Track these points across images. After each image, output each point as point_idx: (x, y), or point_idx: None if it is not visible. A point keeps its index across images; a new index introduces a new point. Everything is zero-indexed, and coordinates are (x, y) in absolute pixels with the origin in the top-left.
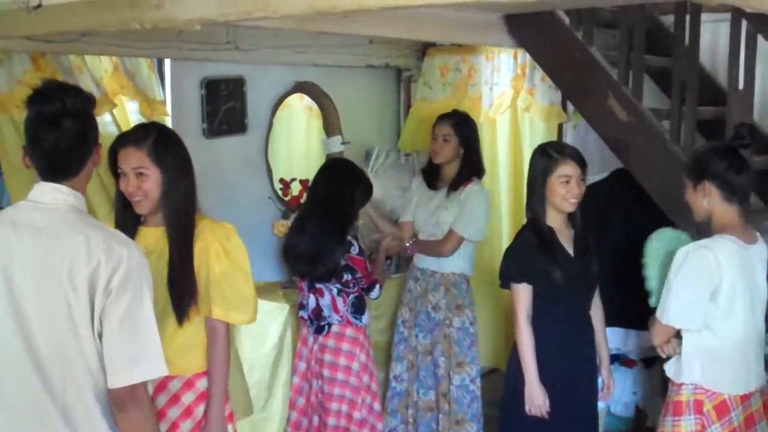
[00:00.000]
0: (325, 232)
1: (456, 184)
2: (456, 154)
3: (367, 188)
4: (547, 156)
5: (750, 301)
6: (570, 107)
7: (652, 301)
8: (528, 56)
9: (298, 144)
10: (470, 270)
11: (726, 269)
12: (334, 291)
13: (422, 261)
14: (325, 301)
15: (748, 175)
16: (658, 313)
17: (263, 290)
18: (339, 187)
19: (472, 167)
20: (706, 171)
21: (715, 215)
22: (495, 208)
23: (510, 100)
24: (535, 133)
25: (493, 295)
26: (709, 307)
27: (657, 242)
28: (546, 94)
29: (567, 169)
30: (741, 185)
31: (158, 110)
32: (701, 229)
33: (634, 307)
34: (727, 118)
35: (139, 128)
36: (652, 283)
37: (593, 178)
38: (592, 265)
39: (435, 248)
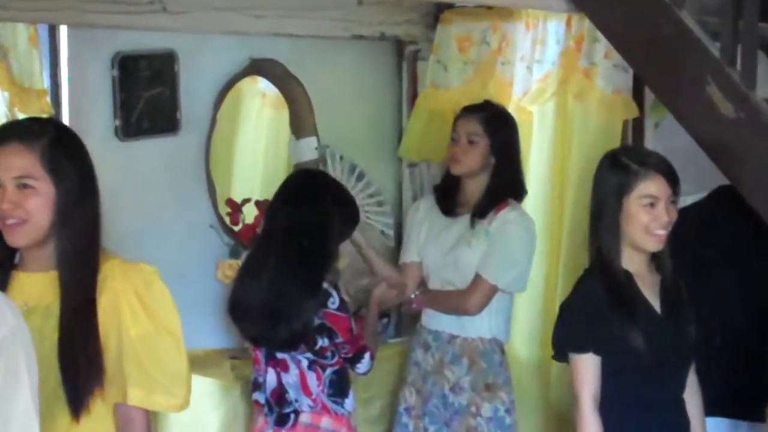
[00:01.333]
0: (290, 276)
1: (484, 209)
2: (485, 164)
3: (350, 213)
4: (622, 168)
5: None
6: (648, 97)
7: None
8: (587, 23)
9: (253, 149)
10: (506, 334)
11: None
12: (304, 363)
13: (435, 320)
14: (291, 377)
15: None
16: None
17: (201, 362)
18: (310, 211)
19: (508, 184)
20: None
21: None
22: None
23: (557, 84)
24: (591, 132)
25: (534, 372)
26: None
27: None
28: (611, 78)
29: (652, 186)
30: None
31: (35, 104)
32: None
33: (746, 390)
34: None
35: (31, 122)
36: None
37: (684, 200)
38: (688, 327)
39: (454, 302)
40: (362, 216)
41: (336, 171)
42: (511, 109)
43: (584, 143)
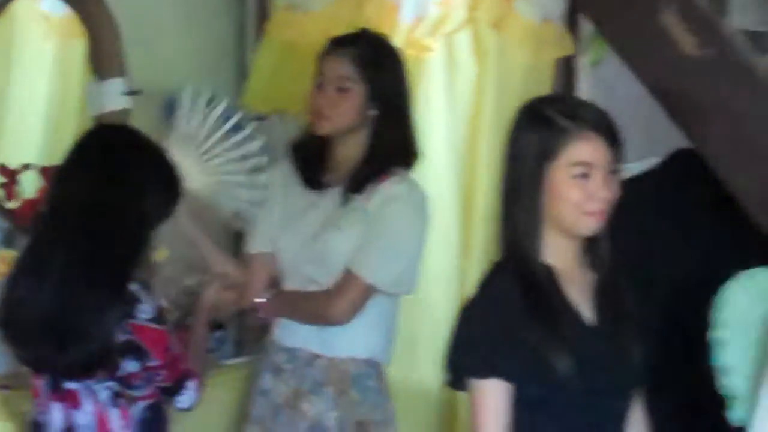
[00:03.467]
0: (84, 275)
1: (361, 180)
2: (361, 119)
3: (169, 185)
4: (545, 124)
5: None
6: (583, 28)
7: (733, 415)
8: None
9: (35, 95)
10: (386, 353)
11: None
12: (104, 396)
13: (290, 334)
14: (85, 416)
15: None
16: None
17: None
18: (112, 181)
19: (393, 146)
20: None
21: None
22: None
23: (465, 10)
24: (514, 75)
25: (436, 407)
26: None
27: (742, 295)
28: (538, 1)
29: (585, 150)
30: None
31: None
32: None
33: (708, 421)
34: None
35: None
36: (732, 379)
37: (631, 168)
38: (632, 343)
39: (313, 306)
40: (210, 187)
41: (196, 117)
42: (400, 42)
43: (505, 90)
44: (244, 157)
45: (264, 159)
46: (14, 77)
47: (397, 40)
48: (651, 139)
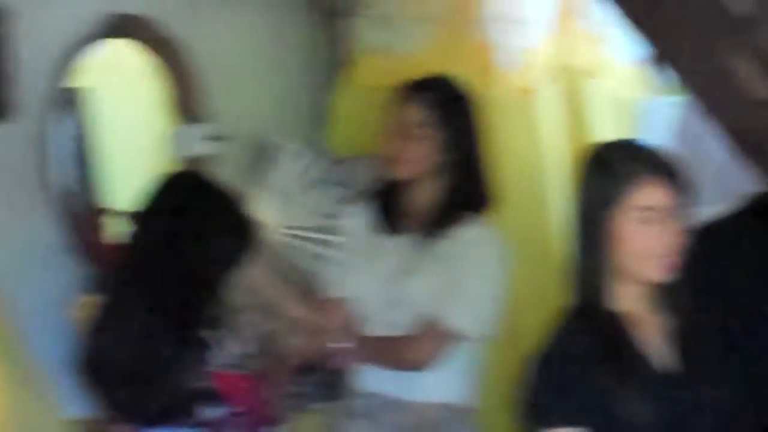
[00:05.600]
0: (157, 322)
1: (439, 224)
2: (437, 164)
3: (240, 231)
4: (608, 169)
5: None
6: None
7: None
8: None
9: (126, 139)
10: (473, 397)
11: None
12: None
13: (374, 379)
14: None
15: None
16: None
17: None
18: (176, 230)
19: (469, 190)
20: None
21: None
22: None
23: (559, 56)
24: (606, 116)
25: None
26: None
27: None
28: (628, 46)
29: (650, 193)
30: None
31: None
32: None
33: None
34: None
35: None
36: None
37: (706, 211)
38: (712, 388)
39: (398, 352)
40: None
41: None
42: (497, 88)
43: (601, 134)
44: (327, 207)
45: (342, 207)
46: (113, 129)
47: (499, 87)
48: (726, 183)
